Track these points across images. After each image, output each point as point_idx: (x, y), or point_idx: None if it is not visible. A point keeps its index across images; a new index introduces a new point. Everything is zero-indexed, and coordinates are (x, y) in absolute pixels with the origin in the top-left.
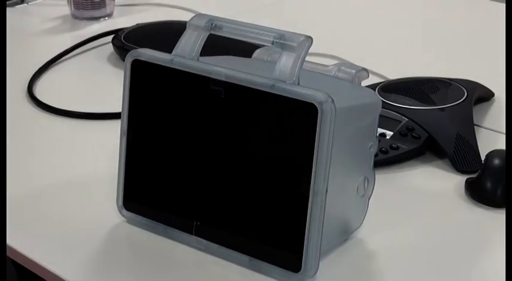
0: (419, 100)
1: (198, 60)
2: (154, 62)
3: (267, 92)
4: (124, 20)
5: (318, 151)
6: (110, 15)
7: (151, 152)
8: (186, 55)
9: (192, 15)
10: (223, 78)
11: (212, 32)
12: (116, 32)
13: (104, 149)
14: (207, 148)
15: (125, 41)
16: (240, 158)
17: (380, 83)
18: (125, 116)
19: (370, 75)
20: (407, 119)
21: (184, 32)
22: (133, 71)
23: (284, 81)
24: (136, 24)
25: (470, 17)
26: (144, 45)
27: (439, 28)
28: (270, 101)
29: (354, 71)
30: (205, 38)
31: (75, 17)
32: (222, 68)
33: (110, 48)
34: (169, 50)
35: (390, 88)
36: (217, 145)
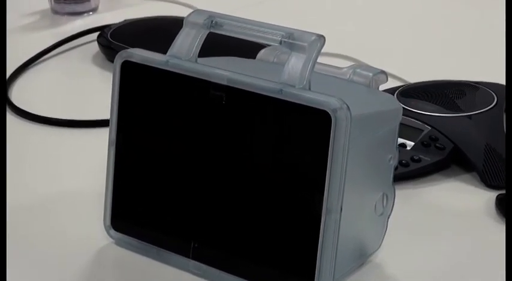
0: (443, 106)
1: (196, 61)
2: (147, 64)
3: (274, 98)
4: (111, 15)
5: (331, 164)
6: (94, 10)
7: (143, 164)
8: (182, 56)
9: (187, 10)
10: (224, 83)
11: (212, 30)
12: (101, 29)
13: (89, 161)
14: (206, 160)
15: (111, 39)
16: (243, 171)
17: (399, 87)
18: (113, 124)
19: (389, 78)
20: (430, 128)
21: (181, 31)
22: (123, 74)
23: (293, 86)
24: (125, 20)
25: (499, 16)
26: (133, 44)
27: (465, 27)
28: (278, 108)
29: (371, 74)
30: (204, 36)
31: (55, 11)
32: (224, 70)
33: (95, 47)
34: (162, 49)
35: (411, 93)
36: (217, 157)
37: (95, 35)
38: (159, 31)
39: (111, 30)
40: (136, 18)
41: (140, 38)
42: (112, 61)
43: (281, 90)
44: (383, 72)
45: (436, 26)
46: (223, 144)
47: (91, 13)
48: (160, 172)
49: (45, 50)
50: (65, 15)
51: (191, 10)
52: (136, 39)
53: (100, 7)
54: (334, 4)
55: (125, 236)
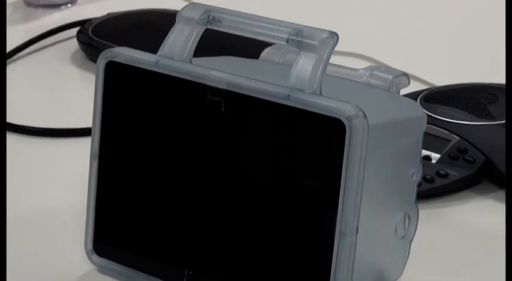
0: (473, 113)
1: (190, 62)
2: (135, 65)
3: (281, 104)
4: (92, 8)
5: (345, 179)
6: (73, 2)
7: (130, 180)
8: (175, 56)
9: (180, 2)
10: (223, 86)
11: (209, 27)
12: (81, 24)
13: (68, 175)
14: (202, 175)
15: (93, 35)
16: (245, 188)
17: (423, 91)
18: (96, 133)
19: (411, 81)
20: (458, 138)
21: (173, 27)
22: (107, 76)
23: (302, 90)
24: (108, 14)
25: None
26: (119, 41)
27: (496, 23)
28: (285, 116)
29: (391, 77)
30: (200, 34)
31: (28, 3)
32: (222, 72)
33: (74, 44)
34: (152, 48)
35: (436, 98)
36: (215, 172)
37: (74, 30)
38: (148, 27)
39: (92, 26)
40: (122, 12)
41: (126, 34)
42: (94, 61)
43: (288, 95)
44: (404, 74)
45: (465, 22)
46: (221, 156)
47: (69, 5)
48: (149, 189)
49: (16, 47)
50: (40, 7)
51: (185, 3)
52: (122, 36)
53: None
54: None
55: (109, 261)
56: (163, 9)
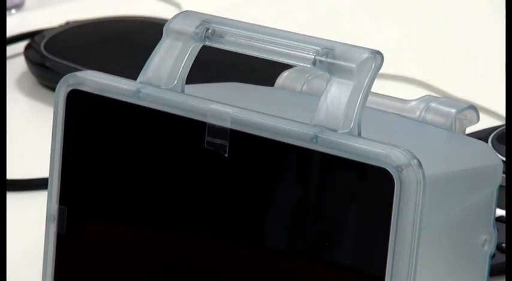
0: None
1: (183, 91)
2: (108, 96)
3: (306, 149)
4: (45, 14)
5: (394, 250)
6: (19, 6)
7: (99, 250)
8: (162, 83)
9: (167, 8)
10: (227, 125)
11: (208, 43)
12: (31, 36)
13: (15, 243)
14: (199, 243)
15: (47, 52)
16: (257, 261)
17: (497, 128)
18: (54, 186)
19: (481, 115)
20: None
21: (159, 43)
22: (70, 110)
23: (334, 130)
24: (67, 23)
25: None
26: (82, 61)
27: None
28: (311, 164)
29: (453, 111)
30: (196, 52)
31: None
32: (226, 105)
33: (21, 64)
34: (130, 72)
35: None
36: (217, 238)
37: (21, 45)
38: (122, 41)
39: (46, 39)
40: (86, 20)
41: (93, 51)
42: (49, 87)
43: (316, 136)
44: (472, 107)
45: None
46: (226, 218)
47: (14, 11)
48: (127, 260)
49: None
50: None
51: (173, 9)
52: (87, 53)
53: (28, 2)
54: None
55: None
56: (143, 17)
